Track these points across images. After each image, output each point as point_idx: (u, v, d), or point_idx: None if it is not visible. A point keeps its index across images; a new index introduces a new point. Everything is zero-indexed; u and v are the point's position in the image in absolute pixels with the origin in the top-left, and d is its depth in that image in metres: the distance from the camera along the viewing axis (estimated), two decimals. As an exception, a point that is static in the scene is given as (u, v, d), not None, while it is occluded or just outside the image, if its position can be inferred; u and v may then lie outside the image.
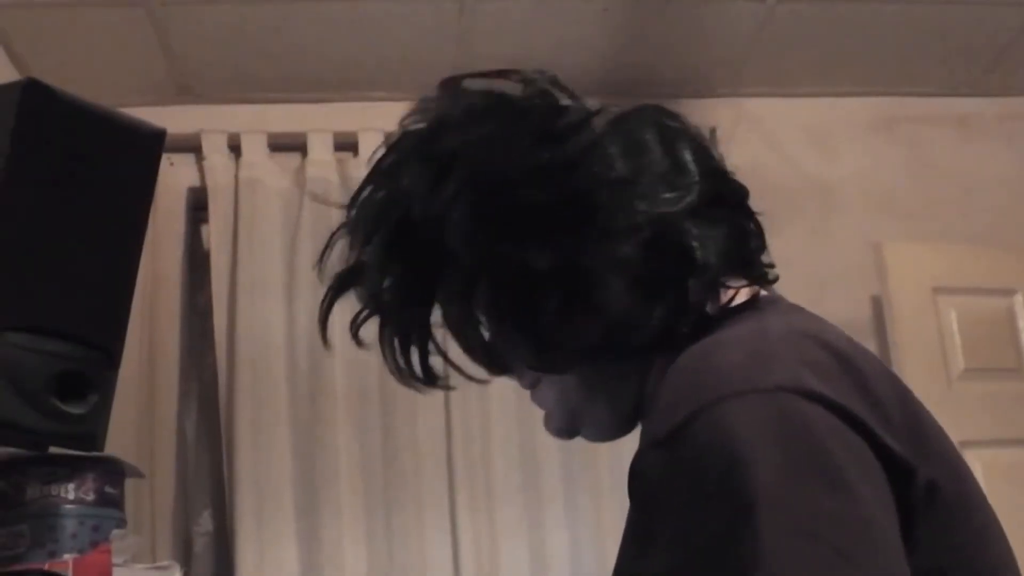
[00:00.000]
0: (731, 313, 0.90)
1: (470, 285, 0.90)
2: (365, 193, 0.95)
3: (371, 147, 2.82)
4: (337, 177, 2.84)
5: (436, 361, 0.97)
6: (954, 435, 0.89)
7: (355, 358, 2.66)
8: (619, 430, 1.00)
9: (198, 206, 2.88)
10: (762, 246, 0.96)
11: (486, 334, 0.93)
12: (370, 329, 0.99)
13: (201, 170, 2.86)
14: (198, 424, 2.84)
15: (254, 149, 2.85)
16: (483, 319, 0.92)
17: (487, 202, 0.89)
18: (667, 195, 0.89)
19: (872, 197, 3.05)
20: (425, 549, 2.61)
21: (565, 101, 0.94)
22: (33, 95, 1.30)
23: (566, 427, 1.02)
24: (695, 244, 0.87)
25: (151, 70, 2.80)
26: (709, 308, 0.90)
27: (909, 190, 3.06)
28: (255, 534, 2.56)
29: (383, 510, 2.63)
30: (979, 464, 2.62)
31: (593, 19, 2.69)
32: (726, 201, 0.93)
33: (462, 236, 0.88)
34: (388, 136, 0.96)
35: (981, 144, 3.14)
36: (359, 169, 2.84)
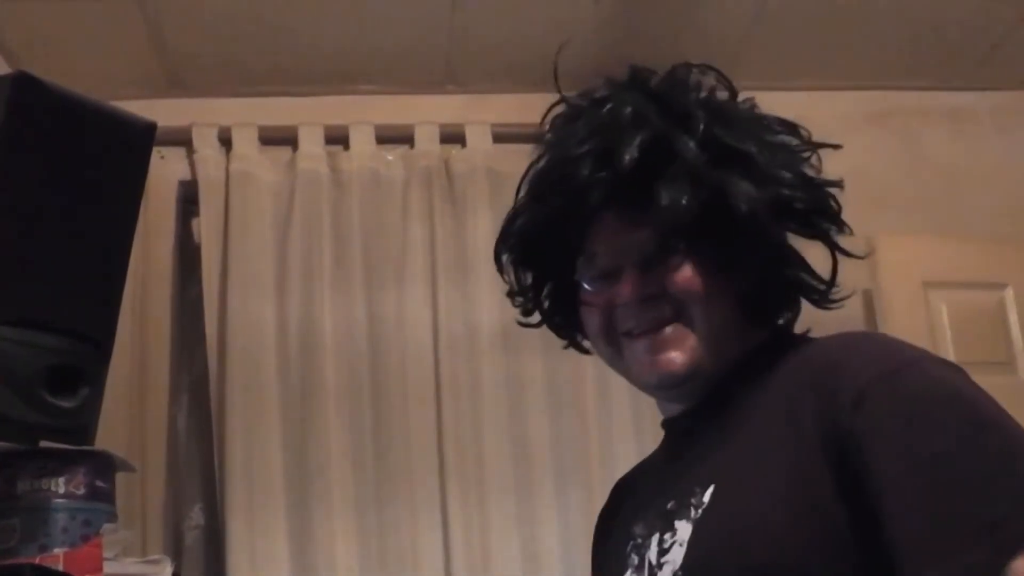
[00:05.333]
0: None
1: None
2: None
3: (362, 141, 2.85)
4: (328, 170, 2.83)
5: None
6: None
7: (347, 352, 2.67)
8: (710, 351, 1.10)
9: (189, 199, 2.87)
10: None
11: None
12: None
13: (192, 163, 2.85)
14: (189, 418, 2.83)
15: (245, 142, 2.84)
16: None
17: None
18: None
19: (864, 190, 3.02)
20: (416, 543, 2.61)
21: None
22: (23, 88, 1.30)
23: (672, 311, 1.10)
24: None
25: (142, 63, 2.79)
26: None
27: (901, 184, 3.06)
28: (246, 528, 2.56)
29: (374, 504, 2.63)
30: (970, 457, 2.62)
31: (586, 12, 2.68)
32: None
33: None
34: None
35: (973, 138, 3.14)
36: (350, 162, 2.84)
